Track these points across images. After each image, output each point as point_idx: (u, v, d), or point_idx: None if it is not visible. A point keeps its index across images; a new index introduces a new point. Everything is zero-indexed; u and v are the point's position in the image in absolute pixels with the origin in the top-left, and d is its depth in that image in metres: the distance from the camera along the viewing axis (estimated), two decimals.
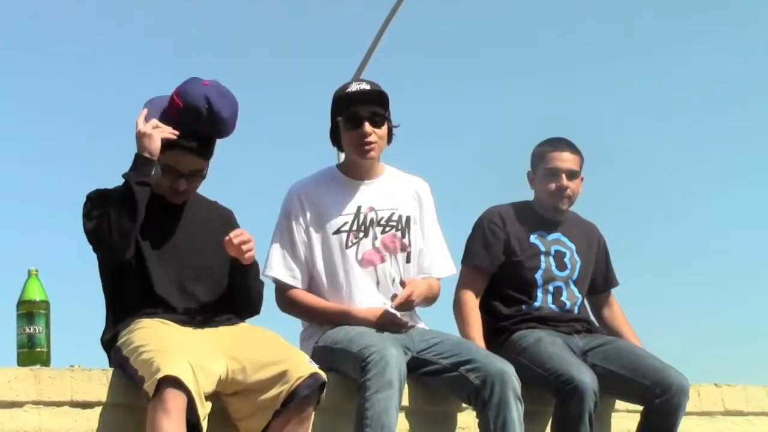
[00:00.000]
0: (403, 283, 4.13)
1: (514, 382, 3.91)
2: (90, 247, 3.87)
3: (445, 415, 4.22)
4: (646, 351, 4.50)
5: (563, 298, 4.53)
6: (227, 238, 3.77)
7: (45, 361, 3.79)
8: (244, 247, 3.80)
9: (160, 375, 3.37)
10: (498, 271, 4.51)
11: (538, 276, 4.50)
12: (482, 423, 3.95)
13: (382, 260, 4.21)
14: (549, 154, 4.57)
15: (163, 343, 3.57)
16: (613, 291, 4.84)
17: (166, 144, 3.80)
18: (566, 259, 4.58)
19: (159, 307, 3.80)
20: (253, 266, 3.98)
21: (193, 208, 4.02)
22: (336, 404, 3.84)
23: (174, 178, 3.85)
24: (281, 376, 3.60)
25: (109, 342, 3.79)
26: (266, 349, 3.76)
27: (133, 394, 3.54)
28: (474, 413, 4.04)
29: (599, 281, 4.75)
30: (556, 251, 4.58)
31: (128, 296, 3.83)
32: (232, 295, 4.00)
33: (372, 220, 4.24)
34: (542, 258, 4.55)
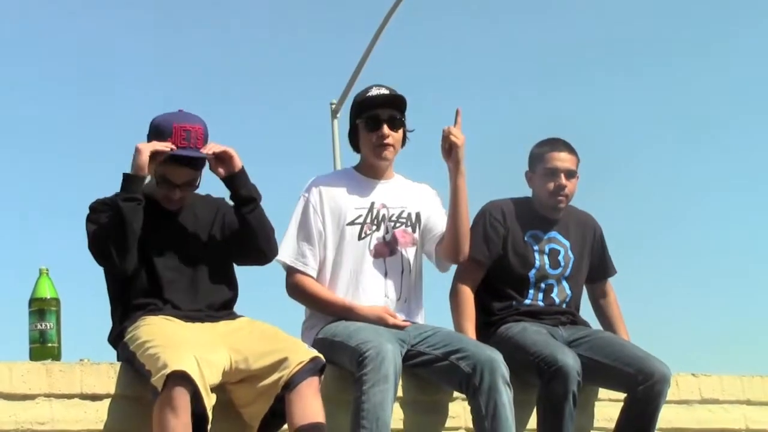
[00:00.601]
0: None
1: (503, 369, 3.95)
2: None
3: (437, 404, 4.24)
4: (628, 341, 4.55)
5: (553, 295, 4.56)
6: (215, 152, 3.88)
7: (56, 356, 3.83)
8: (218, 149, 3.89)
9: (167, 370, 3.41)
10: (494, 266, 4.53)
11: (532, 274, 4.53)
12: (474, 408, 3.99)
13: (392, 253, 4.28)
14: (548, 154, 4.59)
15: (169, 338, 3.61)
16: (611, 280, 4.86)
17: (163, 159, 3.86)
18: (560, 257, 4.60)
19: (163, 305, 3.84)
20: (242, 175, 3.99)
21: (189, 207, 4.07)
22: (333, 396, 3.86)
23: (168, 188, 3.92)
24: (281, 362, 3.65)
25: (116, 338, 3.85)
26: (266, 339, 3.81)
27: (139, 387, 3.59)
28: (464, 403, 4.09)
29: (595, 271, 4.77)
30: (551, 249, 4.60)
31: (133, 295, 3.87)
32: (246, 238, 3.98)
33: (384, 215, 4.31)
34: (537, 256, 4.56)
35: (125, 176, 3.84)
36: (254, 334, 3.84)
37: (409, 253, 4.34)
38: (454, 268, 4.50)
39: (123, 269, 3.81)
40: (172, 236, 4.00)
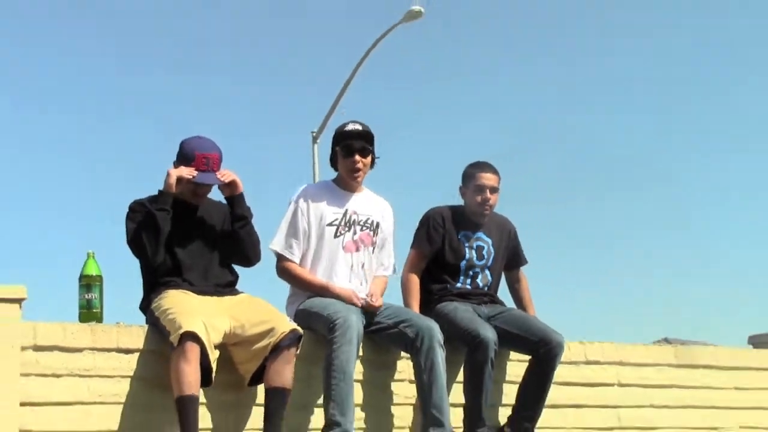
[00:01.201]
0: (371, 297, 4.14)
1: (438, 335, 3.98)
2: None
3: (388, 362, 4.21)
4: (534, 317, 4.54)
5: (478, 281, 4.52)
6: (226, 182, 3.88)
7: (99, 319, 3.84)
8: (230, 177, 3.88)
9: (182, 330, 3.45)
10: (434, 257, 4.48)
11: (462, 264, 4.48)
12: (416, 365, 4.01)
13: (357, 249, 4.24)
14: (477, 174, 4.51)
15: (184, 307, 3.62)
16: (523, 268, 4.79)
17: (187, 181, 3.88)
18: (484, 252, 4.53)
19: (181, 282, 3.81)
20: (240, 198, 3.97)
21: (204, 208, 4.04)
22: (309, 354, 3.85)
23: (192, 193, 3.91)
24: (269, 331, 3.66)
25: (145, 306, 3.83)
26: (259, 311, 3.79)
27: (161, 344, 3.60)
28: (409, 361, 4.09)
29: (511, 262, 4.71)
30: (477, 246, 4.53)
31: (159, 274, 3.84)
32: (237, 246, 3.96)
33: (354, 220, 4.27)
34: (467, 251, 4.50)
35: (159, 192, 3.85)
36: (251, 308, 3.82)
37: (369, 250, 4.30)
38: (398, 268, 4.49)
39: (153, 261, 3.81)
40: (191, 231, 3.96)
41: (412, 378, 4.11)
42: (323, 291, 4.09)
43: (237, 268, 4.11)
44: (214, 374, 3.57)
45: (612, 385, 4.74)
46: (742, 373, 5.10)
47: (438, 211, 4.54)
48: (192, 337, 3.45)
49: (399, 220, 4.58)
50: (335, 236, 4.23)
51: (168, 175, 3.86)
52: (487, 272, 4.55)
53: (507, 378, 4.45)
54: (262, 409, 3.74)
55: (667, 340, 5.09)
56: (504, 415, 4.39)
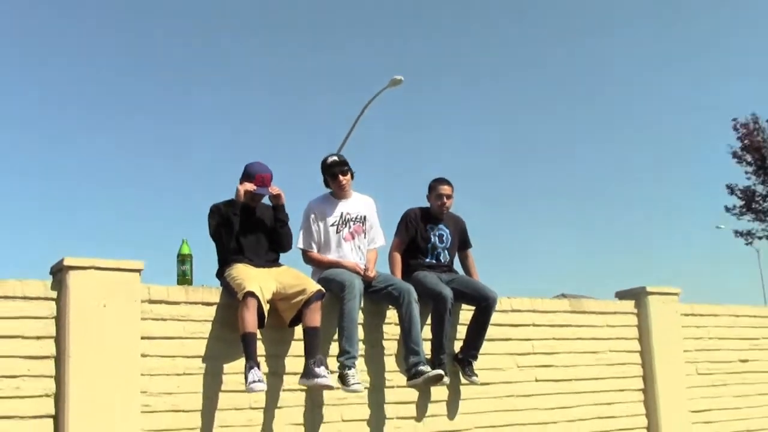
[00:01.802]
0: (367, 270, 4.22)
1: (414, 294, 4.13)
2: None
3: (380, 312, 4.30)
4: (477, 280, 4.61)
5: (440, 258, 4.55)
6: (274, 194, 3.97)
7: (190, 283, 4.01)
8: (276, 191, 3.99)
9: (244, 291, 3.63)
10: (410, 242, 4.52)
11: (429, 247, 4.53)
12: (399, 315, 4.16)
13: (353, 238, 4.31)
14: (437, 186, 4.58)
15: (246, 275, 3.77)
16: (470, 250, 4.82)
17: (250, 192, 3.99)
18: (444, 238, 4.57)
19: (244, 259, 3.92)
20: (282, 207, 4.04)
21: (259, 209, 4.10)
22: (329, 307, 3.97)
23: (252, 199, 4.04)
24: (303, 291, 3.82)
25: (220, 274, 3.95)
26: (295, 277, 3.93)
27: (231, 299, 3.76)
28: (395, 311, 4.23)
29: (462, 245, 4.72)
30: (439, 234, 4.57)
31: (229, 254, 3.95)
32: (278, 239, 4.04)
33: (348, 218, 4.33)
34: (432, 237, 4.54)
35: (232, 201, 3.97)
36: (290, 275, 3.94)
37: (362, 236, 4.35)
38: (387, 244, 4.52)
39: (228, 247, 3.94)
40: (250, 225, 4.02)
41: (397, 322, 4.23)
42: (337, 266, 4.18)
43: None
44: (266, 319, 3.73)
45: (528, 325, 4.80)
46: (612, 316, 5.16)
47: (412, 211, 4.59)
48: (251, 294, 3.60)
49: (392, 213, 4.68)
50: (337, 232, 4.27)
51: (238, 190, 3.98)
52: (447, 252, 4.58)
53: (460, 321, 4.52)
54: (298, 342, 3.89)
55: (564, 295, 5.34)
56: (458, 346, 4.47)
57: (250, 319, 3.61)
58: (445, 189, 4.60)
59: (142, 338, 3.56)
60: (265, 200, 4.15)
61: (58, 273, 3.48)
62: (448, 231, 4.64)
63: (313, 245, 4.31)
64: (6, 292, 3.33)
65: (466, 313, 4.53)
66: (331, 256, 4.28)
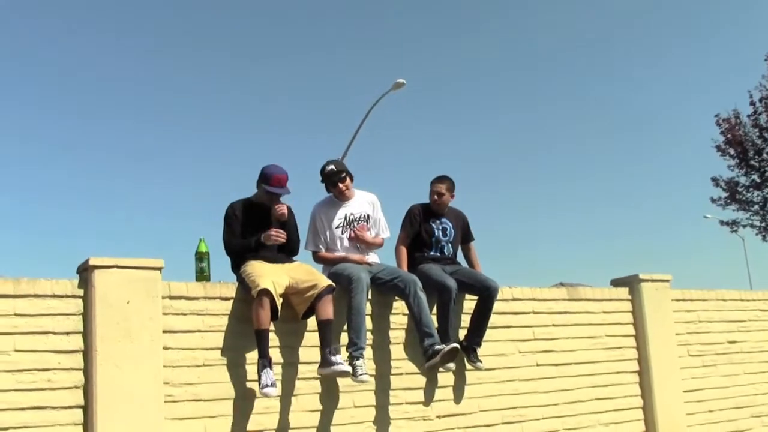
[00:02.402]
0: (358, 233, 4.27)
1: (419, 284, 4.16)
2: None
3: (387, 303, 4.34)
4: (479, 271, 4.64)
5: (444, 251, 4.58)
6: (279, 213, 3.96)
7: (208, 279, 4.03)
8: (280, 211, 3.95)
9: (259, 288, 3.65)
10: (415, 236, 4.56)
11: (434, 240, 4.56)
12: (408, 305, 4.18)
13: (358, 237, 4.34)
14: (433, 184, 4.63)
15: (260, 272, 3.78)
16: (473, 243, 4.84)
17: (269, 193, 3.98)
18: (447, 232, 4.61)
19: (259, 256, 3.92)
20: (290, 219, 4.05)
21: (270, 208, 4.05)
22: (337, 300, 3.96)
23: (270, 200, 4.04)
24: (314, 285, 3.85)
25: (236, 269, 3.96)
26: (307, 272, 3.96)
27: (246, 294, 3.78)
28: (400, 301, 4.29)
29: (464, 238, 4.74)
30: (443, 227, 4.61)
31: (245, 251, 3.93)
32: (288, 247, 4.04)
33: (351, 219, 4.38)
34: (435, 231, 4.58)
35: (249, 199, 4.02)
36: (302, 270, 3.98)
37: (366, 233, 4.39)
38: (392, 237, 4.55)
39: (244, 251, 3.91)
40: (264, 222, 4.02)
41: (404, 312, 4.30)
42: (344, 260, 4.24)
43: None
44: (279, 312, 3.74)
45: (528, 313, 4.86)
46: (607, 303, 5.19)
47: (416, 207, 4.64)
48: (265, 291, 3.63)
49: (401, 206, 4.71)
50: (342, 233, 4.33)
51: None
52: (450, 245, 4.61)
53: (464, 311, 4.58)
54: (311, 333, 3.93)
55: (562, 284, 5.37)
56: (462, 334, 4.52)
57: (263, 317, 3.65)
58: (438, 187, 4.63)
59: (164, 332, 3.62)
60: (282, 198, 4.17)
61: (84, 272, 3.53)
62: (451, 225, 4.68)
63: (321, 246, 4.36)
64: (37, 290, 3.40)
65: (470, 302, 4.59)
66: (338, 254, 4.33)
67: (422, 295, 4.16)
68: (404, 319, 4.39)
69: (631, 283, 5.40)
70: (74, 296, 3.47)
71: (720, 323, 5.79)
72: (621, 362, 5.22)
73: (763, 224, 19.32)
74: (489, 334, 4.55)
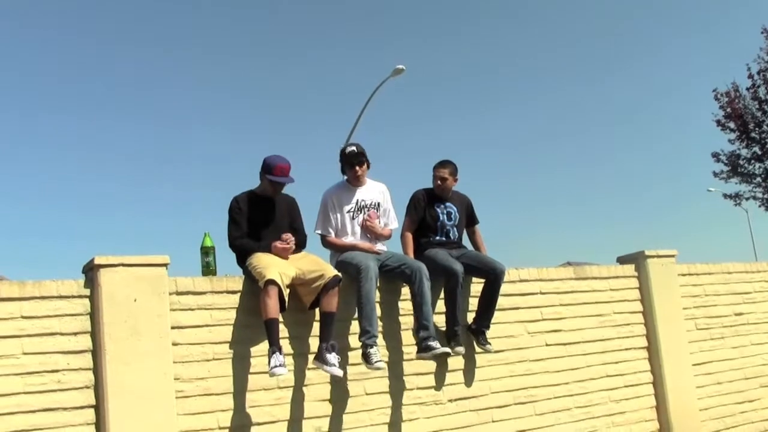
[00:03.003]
0: (366, 222, 4.25)
1: (425, 271, 4.11)
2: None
3: (395, 289, 4.32)
4: (485, 254, 4.62)
5: (450, 235, 4.55)
6: (281, 245, 3.84)
7: (214, 273, 4.02)
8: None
9: (266, 279, 3.61)
10: (421, 221, 4.52)
11: (439, 224, 4.52)
12: (411, 292, 4.15)
13: (367, 224, 4.30)
14: (436, 170, 4.60)
15: (266, 263, 3.76)
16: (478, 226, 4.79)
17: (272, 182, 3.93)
18: (452, 216, 4.58)
19: (265, 248, 3.89)
20: (295, 212, 4.08)
21: (278, 200, 4.07)
22: (347, 288, 3.99)
23: (272, 190, 4.01)
24: (321, 276, 3.83)
25: (242, 263, 3.92)
26: (314, 263, 3.94)
27: (253, 287, 3.76)
28: (407, 287, 4.25)
29: (469, 221, 4.71)
30: (447, 212, 4.57)
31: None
32: (297, 239, 4.00)
33: (363, 205, 4.33)
34: (440, 215, 4.54)
35: (253, 192, 3.99)
36: (308, 260, 3.95)
37: (376, 221, 4.35)
38: (399, 227, 4.50)
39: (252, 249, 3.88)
40: (271, 216, 4.01)
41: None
42: (353, 248, 4.19)
43: None
44: (287, 303, 3.73)
45: (536, 293, 4.84)
46: (614, 280, 5.16)
47: (420, 192, 4.61)
48: (272, 282, 3.60)
49: (403, 195, 4.68)
50: (352, 218, 4.29)
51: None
52: (455, 229, 4.59)
53: (471, 294, 4.56)
54: (318, 324, 3.91)
55: (569, 263, 5.35)
56: (471, 317, 4.50)
57: (272, 306, 3.62)
58: (440, 171, 4.60)
59: (173, 328, 3.58)
60: (286, 189, 4.14)
61: (90, 272, 3.49)
62: (455, 209, 4.65)
63: (331, 230, 4.32)
64: (43, 292, 3.35)
65: (477, 285, 4.56)
66: (347, 240, 4.30)
67: (427, 284, 4.12)
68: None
69: (637, 259, 5.35)
70: (80, 296, 3.43)
71: (726, 296, 5.75)
72: (629, 339, 5.19)
73: (766, 195, 19.19)
74: (497, 316, 4.52)
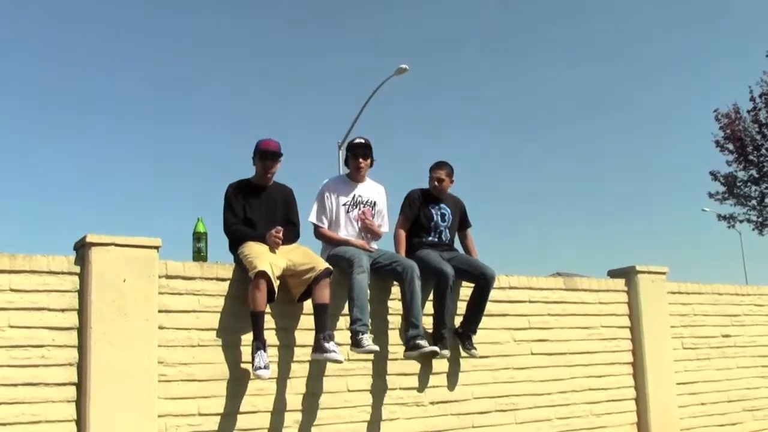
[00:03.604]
0: (363, 218, 4.27)
1: (416, 270, 4.13)
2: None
3: (385, 287, 4.32)
4: (476, 258, 4.63)
5: (442, 236, 4.56)
6: (275, 236, 3.81)
7: (205, 259, 4.00)
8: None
9: (256, 270, 3.61)
10: (414, 221, 4.53)
11: (432, 225, 4.54)
12: (402, 290, 4.18)
13: (360, 220, 4.33)
14: (433, 170, 4.63)
15: (257, 253, 3.75)
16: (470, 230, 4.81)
17: (259, 157, 3.94)
18: (446, 217, 4.59)
19: (257, 238, 3.88)
20: (291, 203, 4.10)
21: (270, 188, 4.07)
22: (337, 281, 3.99)
23: (263, 168, 4.01)
24: (312, 268, 3.82)
25: (233, 252, 3.93)
26: (305, 255, 3.93)
27: (243, 276, 3.75)
28: (397, 286, 4.27)
29: (461, 225, 4.72)
30: (441, 213, 4.58)
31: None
32: (292, 231, 4.05)
33: (359, 201, 4.36)
34: (434, 216, 4.55)
35: (248, 180, 4.01)
36: (299, 252, 3.94)
37: (370, 218, 4.36)
38: (391, 230, 4.51)
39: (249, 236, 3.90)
40: (263, 206, 4.01)
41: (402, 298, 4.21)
42: (346, 243, 4.21)
43: None
44: (276, 294, 3.74)
45: (525, 301, 4.84)
46: (603, 293, 5.21)
47: (415, 191, 4.64)
48: (262, 275, 3.59)
49: (398, 195, 4.73)
50: (347, 212, 4.30)
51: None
52: (448, 231, 4.59)
53: (460, 297, 4.56)
54: (308, 317, 3.90)
55: (558, 273, 5.34)
56: (458, 321, 4.50)
57: (260, 299, 3.62)
58: (437, 173, 4.63)
59: (160, 311, 3.59)
60: (278, 179, 4.15)
61: (81, 249, 3.49)
62: (449, 210, 4.66)
63: (324, 221, 4.32)
64: (33, 266, 3.36)
65: (466, 289, 4.57)
66: (340, 234, 4.31)
67: (418, 283, 4.14)
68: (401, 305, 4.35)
69: (627, 274, 5.38)
70: (70, 273, 3.44)
71: (714, 317, 5.78)
72: (615, 353, 5.21)
73: (760, 219, 19.27)
74: (484, 321, 4.53)
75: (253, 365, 3.60)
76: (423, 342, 4.07)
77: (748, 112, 19.46)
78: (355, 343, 3.92)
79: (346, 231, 4.32)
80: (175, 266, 3.71)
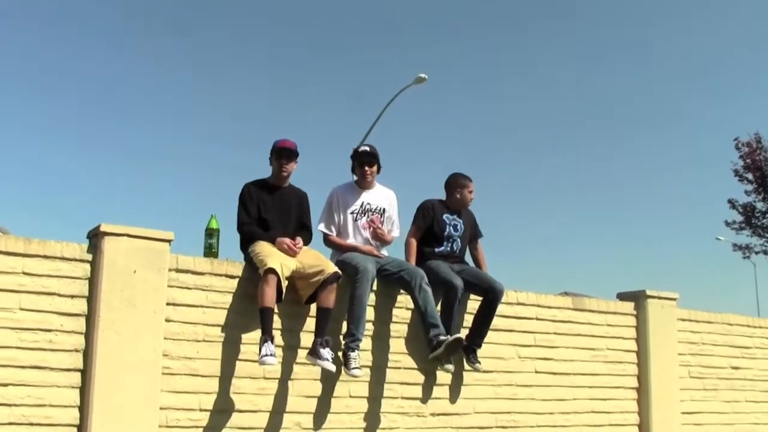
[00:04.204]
0: (373, 227, 4.29)
1: (425, 278, 4.14)
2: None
3: (391, 295, 4.33)
4: (485, 272, 4.63)
5: (454, 246, 4.57)
6: (290, 246, 3.85)
7: (216, 256, 4.09)
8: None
9: (266, 267, 3.65)
10: (426, 230, 4.54)
11: (445, 235, 4.54)
12: (413, 297, 4.16)
13: (369, 227, 4.35)
14: (464, 181, 4.65)
15: (269, 252, 3.80)
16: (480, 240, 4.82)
17: (276, 156, 3.98)
18: (458, 227, 4.61)
19: (268, 238, 3.93)
20: (304, 207, 4.13)
21: (286, 190, 4.10)
22: (343, 287, 4.00)
23: (279, 167, 4.04)
24: (321, 271, 3.84)
25: (244, 250, 3.96)
26: (315, 258, 3.96)
27: (253, 274, 3.80)
28: (406, 295, 4.26)
29: (472, 236, 4.73)
30: (454, 224, 4.61)
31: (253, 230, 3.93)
32: (304, 235, 4.03)
33: (368, 208, 4.37)
34: (447, 226, 4.57)
35: (264, 180, 4.05)
36: (310, 255, 3.97)
37: (381, 225, 4.39)
38: (402, 237, 4.54)
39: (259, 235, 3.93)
40: (276, 203, 4.04)
41: (408, 306, 4.28)
42: (354, 250, 4.23)
43: None
44: (284, 295, 3.76)
45: (532, 318, 4.83)
46: (612, 316, 5.18)
47: (430, 201, 4.66)
48: (272, 271, 3.63)
49: (411, 203, 4.71)
50: (355, 220, 4.32)
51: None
52: (460, 241, 4.60)
53: (467, 310, 4.56)
54: (313, 319, 3.91)
55: (566, 293, 5.32)
56: (464, 333, 4.43)
57: (269, 294, 3.64)
58: (471, 185, 4.71)
59: (168, 304, 3.62)
60: (293, 181, 4.18)
61: (94, 238, 3.54)
62: (461, 222, 4.69)
63: (333, 229, 4.36)
64: (47, 251, 3.41)
65: (474, 302, 4.57)
66: (350, 241, 4.34)
67: (428, 289, 4.16)
68: (407, 314, 4.38)
69: (637, 298, 5.35)
70: (82, 260, 3.48)
71: (724, 347, 5.72)
72: (620, 377, 5.18)
73: None
74: (490, 336, 4.53)
75: (259, 353, 3.59)
76: (445, 337, 4.06)
77: None
78: (344, 360, 3.94)
79: (354, 239, 4.34)
80: (185, 260, 3.74)
